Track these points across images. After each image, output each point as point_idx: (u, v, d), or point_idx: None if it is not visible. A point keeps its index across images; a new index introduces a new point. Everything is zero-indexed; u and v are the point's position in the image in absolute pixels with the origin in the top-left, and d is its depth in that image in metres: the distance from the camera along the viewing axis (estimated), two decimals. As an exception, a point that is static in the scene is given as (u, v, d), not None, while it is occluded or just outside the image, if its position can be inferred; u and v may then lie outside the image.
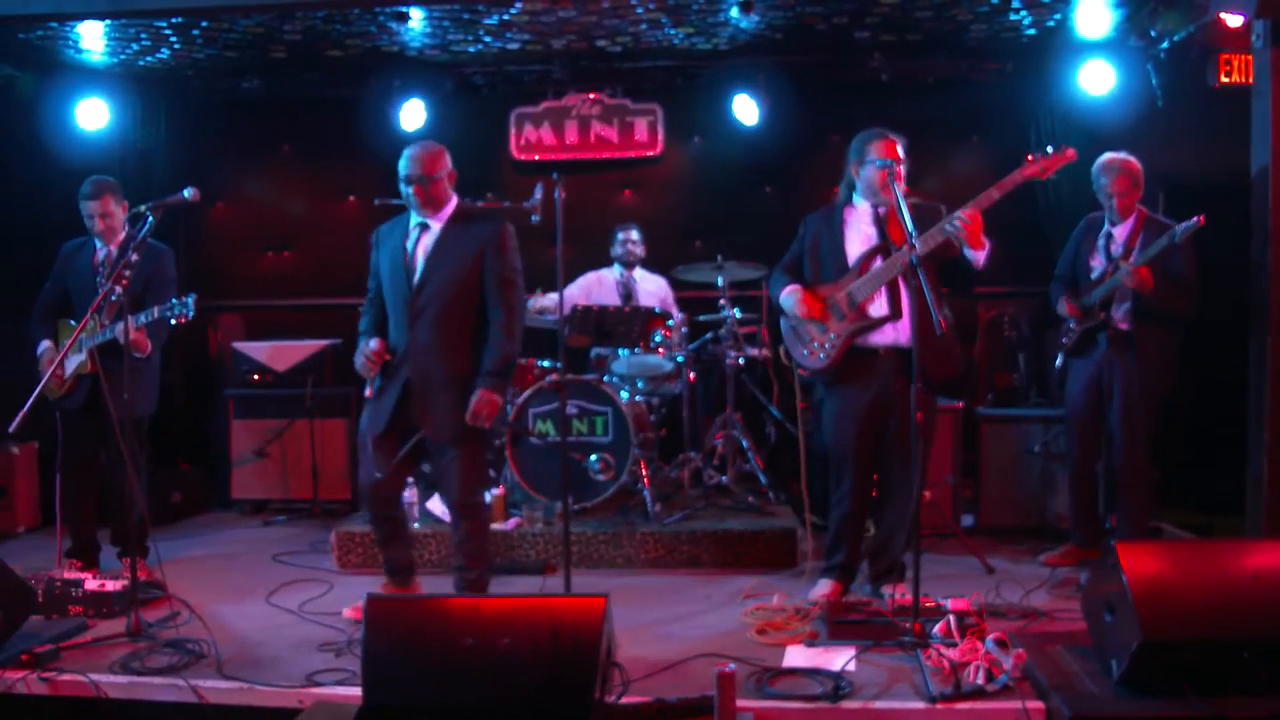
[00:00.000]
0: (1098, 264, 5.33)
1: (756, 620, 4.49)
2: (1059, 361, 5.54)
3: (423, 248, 4.54)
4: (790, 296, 4.73)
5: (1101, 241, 5.33)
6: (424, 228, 4.57)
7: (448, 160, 4.59)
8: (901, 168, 4.43)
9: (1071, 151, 4.36)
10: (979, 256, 4.43)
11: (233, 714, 3.73)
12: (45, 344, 5.33)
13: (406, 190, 4.52)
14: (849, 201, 4.80)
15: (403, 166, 4.53)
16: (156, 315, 4.83)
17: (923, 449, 4.20)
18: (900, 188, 4.30)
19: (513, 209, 4.82)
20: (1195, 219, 4.86)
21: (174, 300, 4.76)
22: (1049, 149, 4.37)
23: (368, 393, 4.58)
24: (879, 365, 4.64)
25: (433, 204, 4.53)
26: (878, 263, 4.60)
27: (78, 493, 5.41)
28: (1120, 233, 5.28)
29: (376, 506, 4.72)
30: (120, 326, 4.69)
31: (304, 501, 6.97)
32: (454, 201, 4.63)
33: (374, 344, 4.57)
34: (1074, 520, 5.55)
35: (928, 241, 4.33)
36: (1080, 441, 5.46)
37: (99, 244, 5.32)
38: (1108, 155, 5.31)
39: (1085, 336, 5.33)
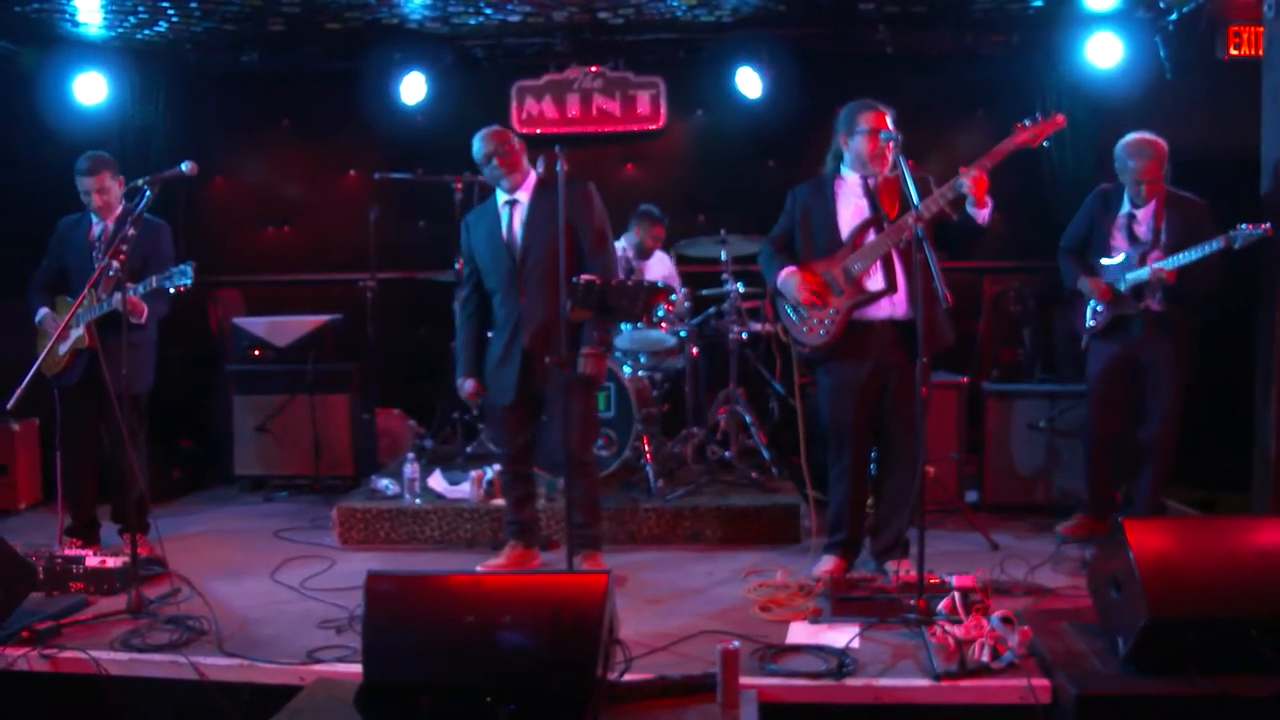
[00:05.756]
0: (1120, 245, 5.21)
1: (760, 597, 4.48)
2: (1084, 342, 5.44)
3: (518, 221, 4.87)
4: (789, 280, 4.67)
5: (1123, 222, 5.22)
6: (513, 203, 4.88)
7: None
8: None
9: (1060, 117, 4.31)
10: (983, 214, 4.37)
11: (233, 691, 3.72)
12: (44, 310, 5.32)
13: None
14: (837, 173, 4.75)
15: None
16: (155, 284, 4.80)
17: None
18: (900, 160, 4.26)
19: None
20: (1262, 228, 4.69)
21: (172, 269, 4.73)
22: (1038, 115, 4.32)
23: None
24: (875, 338, 4.61)
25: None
26: (871, 235, 4.56)
27: (77, 469, 5.39)
28: (1144, 215, 5.16)
29: (518, 465, 5.02)
30: (118, 297, 4.65)
31: (305, 477, 6.94)
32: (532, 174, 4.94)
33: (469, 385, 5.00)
34: (1089, 492, 5.50)
35: (929, 207, 4.28)
36: (1101, 414, 5.37)
37: (95, 219, 5.28)
38: (1136, 136, 5.15)
39: (1115, 320, 5.23)
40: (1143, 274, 5.04)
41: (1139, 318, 5.15)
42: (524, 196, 4.86)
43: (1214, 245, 4.81)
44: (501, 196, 4.91)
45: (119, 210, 5.28)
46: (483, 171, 4.92)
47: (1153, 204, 5.14)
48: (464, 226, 5.04)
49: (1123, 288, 5.14)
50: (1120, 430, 5.39)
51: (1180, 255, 4.93)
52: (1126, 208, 5.23)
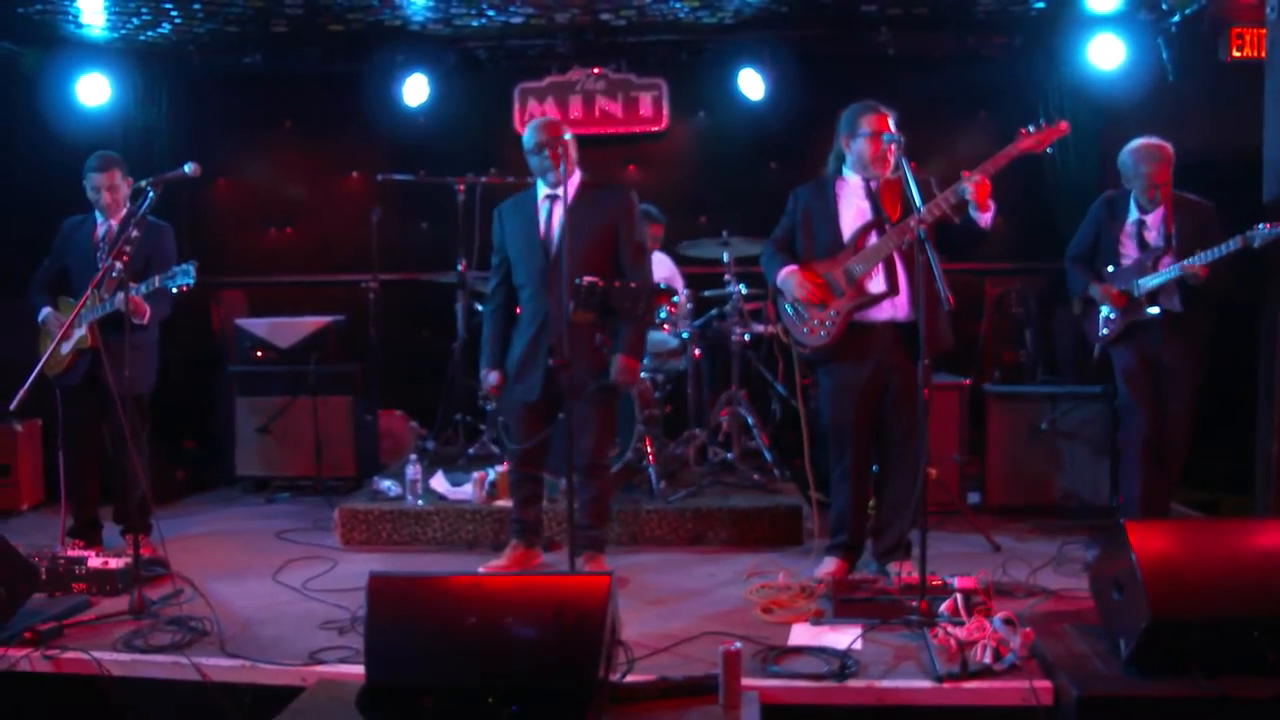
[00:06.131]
0: (1130, 251, 5.16)
1: (762, 598, 4.48)
2: (1098, 351, 5.36)
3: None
4: (789, 279, 4.68)
5: (1133, 229, 5.16)
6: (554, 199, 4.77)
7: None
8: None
9: (1064, 124, 4.31)
10: (985, 218, 4.38)
11: (236, 692, 3.72)
12: (46, 310, 5.32)
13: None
14: (839, 174, 4.75)
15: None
16: (158, 284, 4.80)
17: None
18: (903, 162, 4.26)
19: (517, 184, 4.82)
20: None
21: (174, 268, 4.73)
22: (1041, 122, 4.32)
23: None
24: (877, 340, 4.62)
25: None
26: (873, 238, 4.56)
27: (79, 469, 5.39)
28: (1154, 219, 5.10)
29: (528, 466, 5.00)
30: (121, 297, 4.65)
31: (307, 479, 6.94)
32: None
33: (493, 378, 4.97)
34: (1143, 498, 5.19)
35: (932, 211, 4.28)
36: (1148, 416, 5.17)
37: (99, 219, 5.29)
38: (1143, 141, 5.09)
39: (1129, 327, 5.14)
40: (1168, 274, 4.93)
41: (1154, 321, 5.10)
42: (567, 194, 4.68)
43: (1233, 244, 4.78)
44: (542, 190, 4.83)
45: (125, 211, 5.29)
46: (529, 161, 4.82)
47: (1161, 208, 5.08)
48: (497, 215, 4.96)
49: (1137, 294, 5.09)
50: (1161, 427, 5.18)
51: (1203, 254, 4.86)
52: (1135, 214, 5.16)
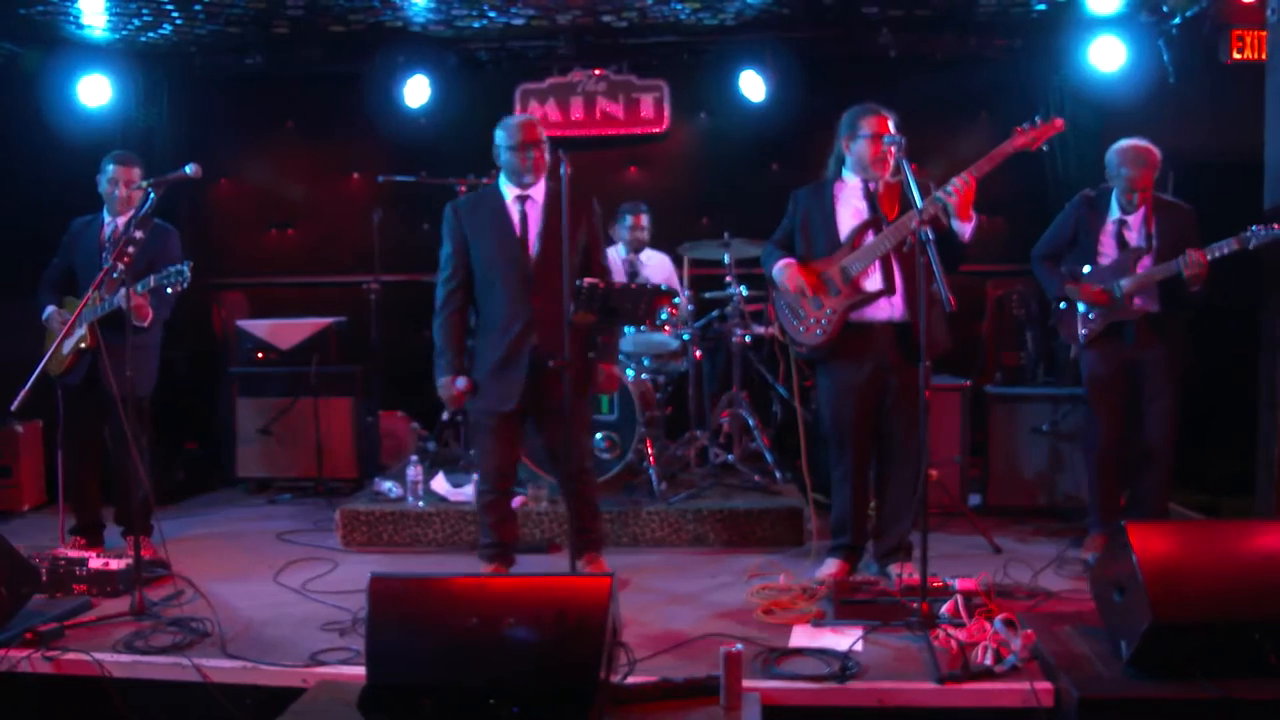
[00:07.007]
0: (1109, 251, 5.14)
1: (763, 600, 4.47)
2: (1074, 352, 5.35)
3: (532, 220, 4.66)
4: (784, 270, 4.69)
5: (1114, 228, 5.14)
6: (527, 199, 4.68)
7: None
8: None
9: (1059, 121, 4.31)
10: (965, 229, 4.37)
11: (237, 693, 3.72)
12: (51, 308, 5.32)
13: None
14: (838, 176, 4.76)
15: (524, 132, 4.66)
16: (153, 284, 4.78)
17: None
18: (904, 164, 4.26)
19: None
20: (1275, 228, 4.65)
21: (170, 268, 4.70)
22: (1036, 119, 4.31)
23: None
24: (875, 340, 4.61)
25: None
26: (870, 237, 4.57)
27: (80, 470, 5.39)
28: (1135, 220, 5.09)
29: (505, 482, 4.81)
30: (122, 293, 4.64)
31: (308, 480, 6.95)
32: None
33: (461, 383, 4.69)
34: (1100, 505, 5.28)
35: (928, 209, 4.27)
36: (1107, 424, 5.22)
37: (107, 219, 5.29)
38: (1132, 143, 5.06)
39: (1109, 327, 5.12)
40: (1170, 269, 4.89)
41: (1132, 321, 5.10)
42: (538, 196, 4.68)
43: (1229, 245, 4.77)
44: (510, 191, 4.69)
45: (131, 212, 5.28)
46: (502, 156, 4.67)
47: (1142, 209, 5.09)
48: (453, 212, 4.73)
49: (1118, 294, 5.08)
50: (1124, 437, 5.24)
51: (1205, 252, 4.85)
52: (1116, 214, 5.14)
